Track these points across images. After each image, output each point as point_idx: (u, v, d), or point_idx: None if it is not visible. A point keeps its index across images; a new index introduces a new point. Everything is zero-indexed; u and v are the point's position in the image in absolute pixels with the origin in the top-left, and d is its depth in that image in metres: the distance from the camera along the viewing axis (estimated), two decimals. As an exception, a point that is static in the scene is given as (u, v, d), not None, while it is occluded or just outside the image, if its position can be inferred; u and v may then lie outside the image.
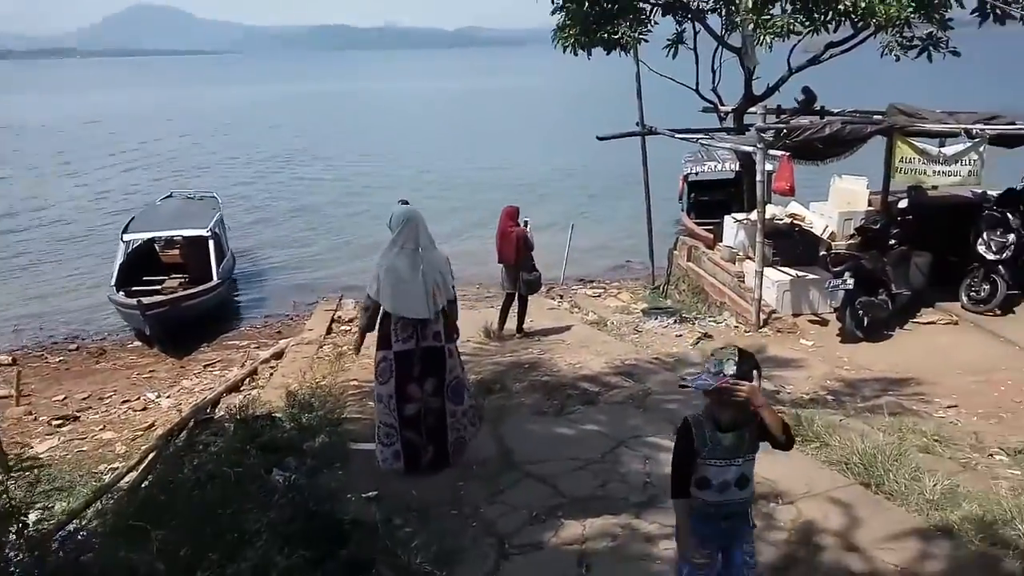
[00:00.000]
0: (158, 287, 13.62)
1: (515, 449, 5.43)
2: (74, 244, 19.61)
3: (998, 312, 9.14)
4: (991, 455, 5.56)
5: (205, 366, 11.17)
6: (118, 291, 12.85)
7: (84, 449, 7.84)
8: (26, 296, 15.86)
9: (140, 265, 14.49)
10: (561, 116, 45.98)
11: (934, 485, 4.54)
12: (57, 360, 11.94)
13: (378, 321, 5.09)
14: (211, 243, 13.90)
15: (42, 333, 13.53)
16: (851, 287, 8.59)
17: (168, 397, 9.54)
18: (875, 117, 10.28)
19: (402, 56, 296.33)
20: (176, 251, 14.91)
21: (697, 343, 8.96)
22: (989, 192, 10.69)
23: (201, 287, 13.30)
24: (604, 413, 6.23)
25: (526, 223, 9.61)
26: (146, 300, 11.88)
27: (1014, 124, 8.86)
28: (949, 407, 6.81)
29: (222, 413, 7.74)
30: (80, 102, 73.42)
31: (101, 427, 8.52)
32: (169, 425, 7.61)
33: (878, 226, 9.45)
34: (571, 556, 4.02)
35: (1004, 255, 9.16)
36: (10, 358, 11.86)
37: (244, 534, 3.75)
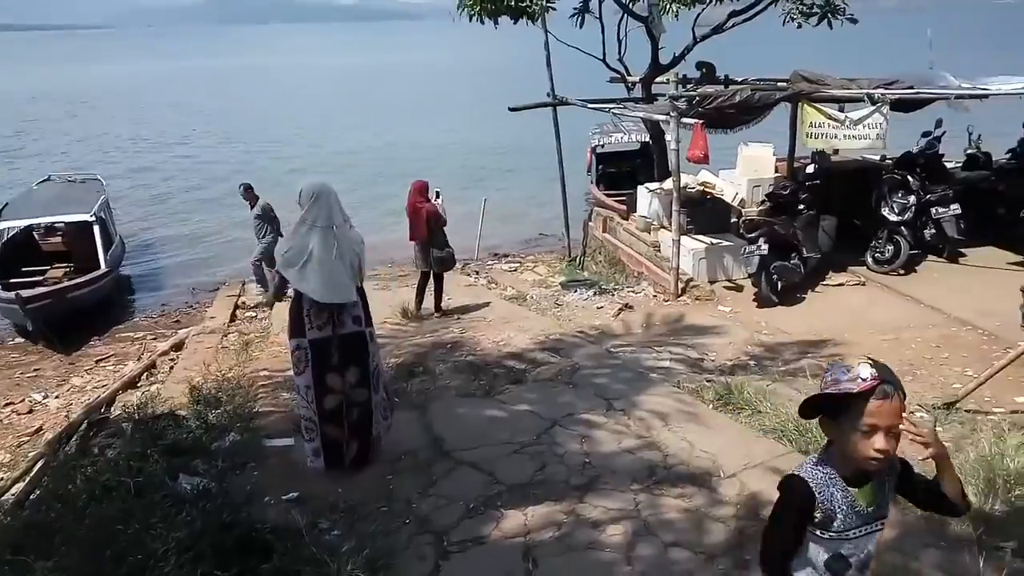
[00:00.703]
0: (39, 278, 12.52)
1: (445, 436, 5.15)
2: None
3: (902, 272, 9.47)
4: (912, 412, 5.67)
5: (97, 361, 10.31)
6: None
7: (-41, 460, 7.04)
8: None
9: (19, 256, 13.30)
10: (470, 91, 45.34)
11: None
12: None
13: (289, 306, 4.67)
14: (96, 228, 12.84)
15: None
16: (765, 252, 8.69)
17: (57, 397, 8.72)
18: (779, 84, 10.42)
19: (297, 30, 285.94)
20: (58, 239, 13.75)
21: (619, 314, 8.89)
22: (887, 156, 11.11)
23: (88, 276, 12.28)
24: (534, 391, 6.03)
25: (437, 194, 9.30)
26: (26, 293, 10.86)
27: (912, 88, 9.13)
28: (865, 366, 6.95)
29: (118, 413, 7.12)
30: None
31: (-22, 436, 7.69)
32: (59, 429, 6.96)
33: (787, 192, 9.59)
34: (515, 550, 3.79)
35: (906, 216, 9.49)
36: None
37: (149, 555, 3.32)
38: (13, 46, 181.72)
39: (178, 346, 9.68)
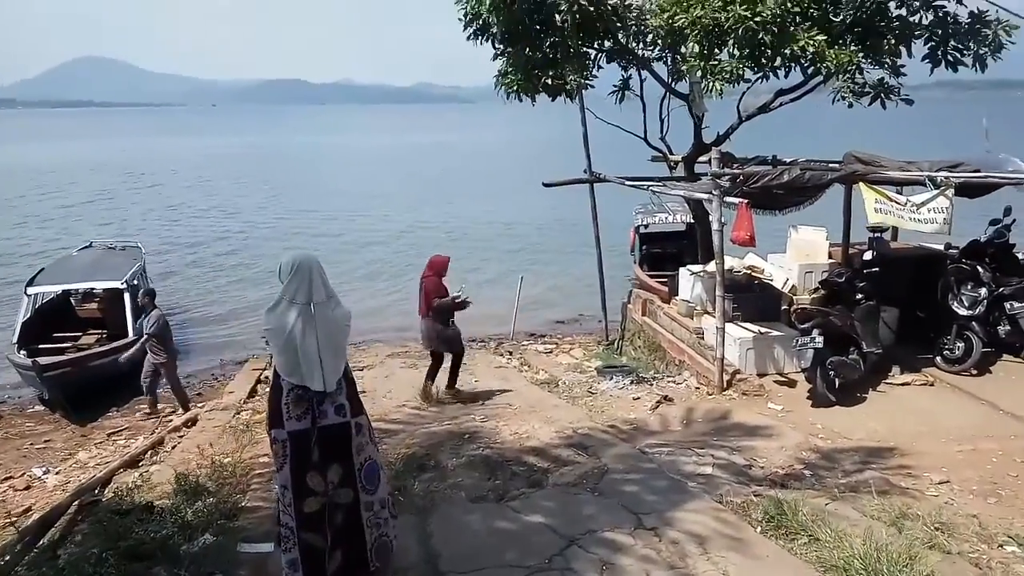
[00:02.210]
0: (69, 344, 12.34)
1: (443, 552, 4.44)
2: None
3: (974, 372, 8.56)
4: (1001, 546, 4.79)
5: (109, 435, 9.91)
6: (19, 350, 11.53)
7: (-62, 543, 6.53)
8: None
9: (54, 321, 13.21)
10: (509, 168, 45.75)
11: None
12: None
13: (269, 393, 4.11)
14: (127, 296, 12.71)
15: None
16: (820, 345, 7.90)
17: (57, 473, 8.27)
18: (831, 165, 9.82)
19: (354, 111, 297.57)
20: (94, 305, 13.69)
21: (657, 407, 8.13)
22: (951, 244, 10.31)
23: (110, 345, 12.07)
24: (553, 498, 5.30)
25: (459, 296, 8.88)
26: (44, 360, 10.60)
27: (978, 172, 8.42)
28: (940, 483, 6.06)
29: (111, 495, 6.58)
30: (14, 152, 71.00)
31: (-36, 515, 7.20)
32: (43, 511, 6.44)
33: (843, 279, 8.85)
34: None
35: (977, 311, 8.63)
36: None
37: None
38: (86, 119, 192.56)
39: (191, 422, 9.21)
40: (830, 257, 10.63)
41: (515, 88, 11.56)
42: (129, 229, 26.58)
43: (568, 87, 11.59)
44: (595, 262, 12.43)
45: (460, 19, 11.34)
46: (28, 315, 12.50)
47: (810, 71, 10.10)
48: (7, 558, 5.11)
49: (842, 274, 8.95)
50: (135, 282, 13.71)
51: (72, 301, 14.00)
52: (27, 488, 7.92)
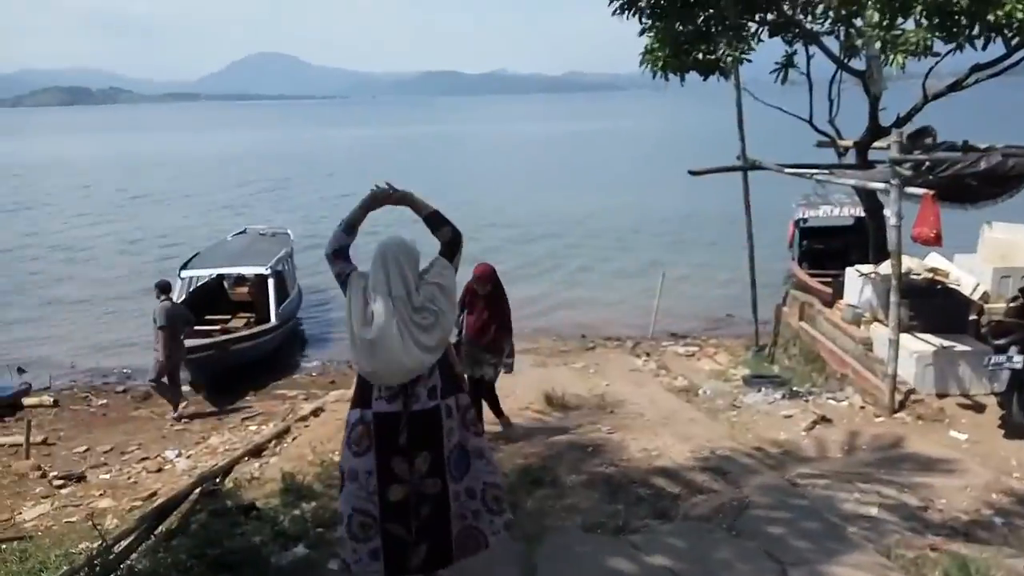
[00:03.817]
0: (218, 327, 12.87)
1: (547, 594, 3.86)
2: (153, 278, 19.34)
3: None
4: None
5: (243, 419, 10.13)
6: None
7: (73, 520, 6.77)
8: (98, 327, 15.54)
9: (207, 302, 13.88)
10: (658, 157, 44.24)
11: None
12: (100, 403, 11.21)
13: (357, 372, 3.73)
14: (271, 282, 13.09)
15: (96, 371, 12.97)
16: (1020, 365, 6.58)
17: (188, 457, 8.47)
18: (1039, 152, 8.25)
19: (507, 100, 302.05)
20: (245, 289, 14.25)
21: (812, 428, 7.10)
22: None
23: (254, 330, 12.46)
24: (681, 535, 4.55)
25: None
26: (189, 343, 11.03)
27: None
28: None
29: (230, 485, 6.54)
30: (192, 142, 77.72)
31: (100, 492, 7.47)
32: (165, 497, 6.49)
33: (1052, 286, 7.40)
34: None
35: None
36: (52, 399, 11.23)
37: None
38: (260, 111, 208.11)
39: (318, 411, 9.20)
40: (1033, 260, 9.03)
41: (662, 65, 10.68)
42: (298, 215, 27.96)
43: (722, 64, 10.57)
44: (746, 258, 11.34)
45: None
46: (182, 297, 13.13)
47: (1015, 42, 8.55)
48: (124, 543, 5.08)
49: (1051, 280, 7.48)
50: (280, 268, 14.14)
51: (225, 285, 14.64)
52: (159, 470, 8.15)
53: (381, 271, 3.55)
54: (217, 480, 6.77)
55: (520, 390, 8.76)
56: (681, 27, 10.43)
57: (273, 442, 8.15)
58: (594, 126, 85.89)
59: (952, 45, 8.62)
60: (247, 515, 4.90)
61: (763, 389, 8.46)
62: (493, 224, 26.20)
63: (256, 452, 7.78)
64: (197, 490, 6.37)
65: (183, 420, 10.18)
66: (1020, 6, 7.73)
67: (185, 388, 11.77)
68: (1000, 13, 7.84)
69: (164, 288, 10.61)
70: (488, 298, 6.64)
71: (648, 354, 11.62)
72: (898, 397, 7.32)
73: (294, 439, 7.87)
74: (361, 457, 3.59)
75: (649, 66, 10.63)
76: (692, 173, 10.54)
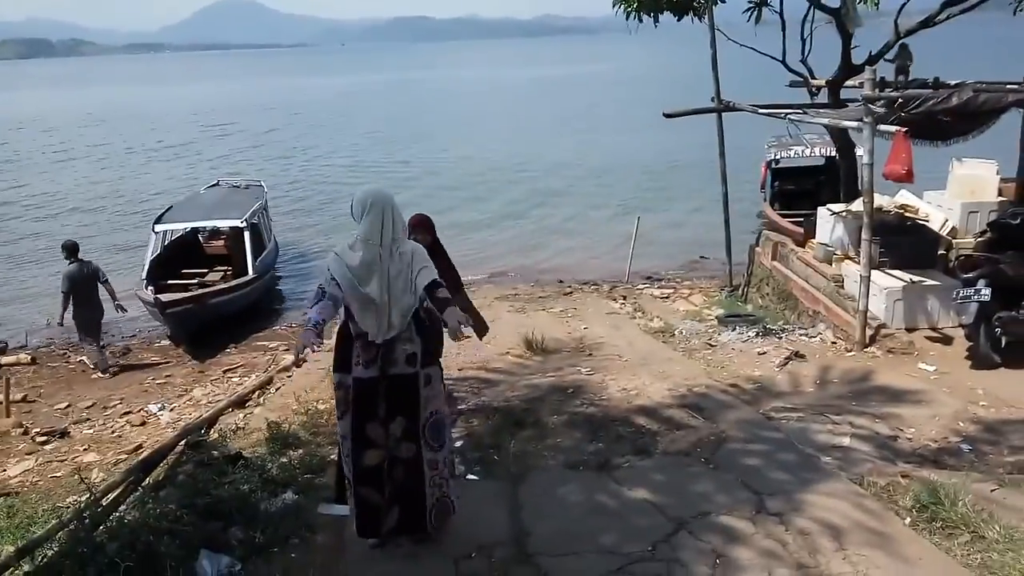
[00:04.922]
0: (195, 281, 12.75)
1: (533, 530, 3.97)
2: (126, 233, 19.02)
3: None
4: None
5: (225, 371, 10.12)
6: (147, 286, 11.99)
7: (59, 475, 6.80)
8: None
9: (182, 256, 13.72)
10: (633, 100, 43.86)
11: None
12: (78, 360, 11.12)
13: (336, 330, 3.78)
14: (247, 234, 12.93)
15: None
16: (987, 298, 6.75)
17: (171, 410, 8.48)
18: (1009, 87, 8.32)
19: (479, 46, 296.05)
20: (221, 242, 14.09)
21: (786, 364, 7.27)
22: None
23: (232, 283, 12.36)
24: (661, 470, 4.71)
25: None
26: (166, 297, 10.94)
27: None
28: None
29: (215, 436, 6.59)
30: (162, 94, 75.57)
31: (85, 447, 7.49)
32: (151, 449, 6.53)
33: (1018, 220, 7.53)
34: None
35: None
36: (30, 357, 11.13)
37: None
38: (227, 62, 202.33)
39: (300, 361, 9.21)
40: (1000, 195, 9.17)
41: (636, 6, 10.54)
42: (279, 166, 27.51)
43: (696, 3, 10.46)
44: (721, 200, 11.40)
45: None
46: (157, 252, 12.96)
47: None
48: (112, 496, 5.14)
49: (1017, 214, 7.61)
50: (255, 220, 13.97)
51: (200, 238, 14.46)
52: (143, 424, 8.15)
53: (375, 218, 3.57)
54: (202, 431, 6.82)
55: (500, 335, 8.83)
56: (656, -34, 10.28)
57: (256, 393, 8.18)
58: (568, 71, 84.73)
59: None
60: (234, 464, 4.97)
61: (737, 328, 8.61)
62: (471, 171, 26.02)
63: (240, 403, 7.81)
64: (182, 442, 6.42)
65: (110, 372, 10.17)
66: (993, -62, 7.72)
67: (164, 343, 11.75)
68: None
69: (71, 249, 10.10)
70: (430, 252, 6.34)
71: (624, 297, 11.72)
72: (869, 332, 7.50)
73: (277, 389, 7.90)
74: (340, 421, 3.74)
75: (623, 7, 10.49)
76: (667, 115, 10.51)
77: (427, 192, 22.45)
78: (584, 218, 19.00)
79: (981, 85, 8.52)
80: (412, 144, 32.91)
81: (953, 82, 9.29)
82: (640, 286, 12.79)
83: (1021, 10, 9.16)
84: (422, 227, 5.06)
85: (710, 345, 8.31)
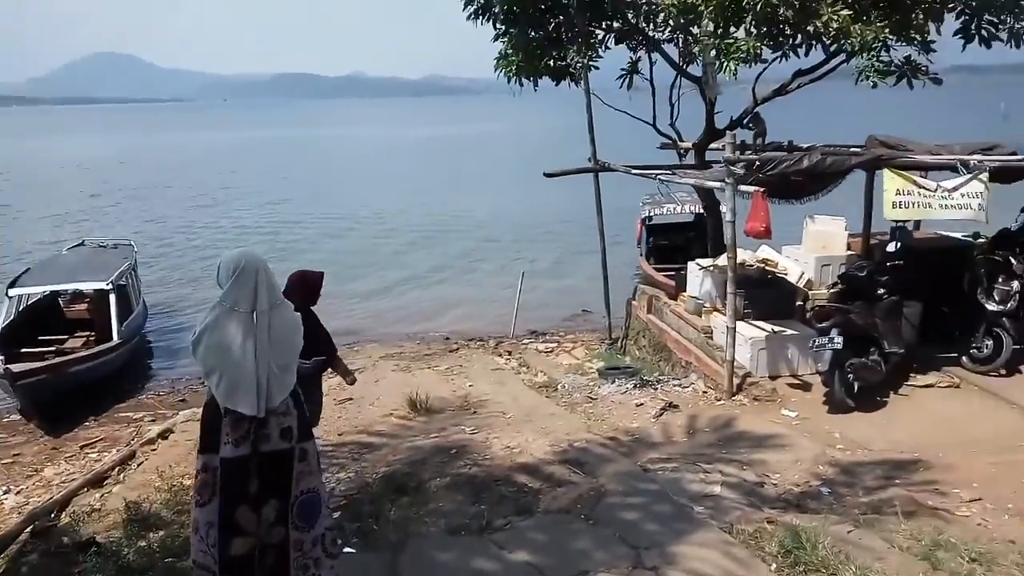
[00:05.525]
0: (52, 349, 11.84)
1: (410, 601, 3.87)
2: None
3: (1003, 372, 7.91)
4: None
5: (83, 447, 9.37)
6: None
7: None
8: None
9: (39, 322, 12.73)
10: (516, 159, 45.03)
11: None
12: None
13: (202, 410, 3.59)
14: (112, 297, 12.19)
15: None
16: (840, 346, 7.26)
17: (18, 493, 7.73)
18: (853, 150, 9.14)
19: (367, 104, 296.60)
20: (84, 306, 13.19)
21: (661, 415, 7.52)
22: (980, 234, 9.62)
23: (93, 350, 11.58)
24: (542, 529, 4.71)
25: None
26: (16, 367, 10.09)
27: (1015, 155, 7.73)
28: (972, 500, 5.45)
29: (67, 520, 6.05)
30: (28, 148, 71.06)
31: (-87, 540, 6.69)
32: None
33: (864, 273, 8.19)
34: None
35: (1008, 306, 7.96)
36: None
37: None
38: (100, 116, 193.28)
39: (166, 433, 8.68)
40: (849, 249, 9.97)
41: (515, 70, 10.95)
42: (153, 226, 26.16)
43: (572, 70, 10.97)
44: (600, 255, 11.80)
45: (460, -3, 10.75)
46: (11, 318, 12.01)
47: (832, 49, 9.43)
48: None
49: (863, 267, 8.28)
50: (123, 282, 13.23)
51: (60, 302, 13.51)
52: (-16, 510, 7.40)
53: (246, 283, 3.40)
54: (52, 516, 6.26)
55: (384, 396, 8.70)
56: (533, 33, 10.76)
57: (116, 470, 7.60)
58: (453, 130, 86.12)
59: (778, 53, 9.41)
60: (86, 552, 4.58)
61: (616, 380, 8.83)
62: (354, 228, 25.80)
63: (97, 482, 7.23)
64: (28, 528, 5.88)
65: None
66: (836, 17, 8.54)
67: (14, 417, 10.78)
68: (819, 23, 8.64)
69: None
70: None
71: (510, 352, 11.82)
72: (736, 381, 7.88)
73: (140, 465, 7.39)
74: (203, 508, 3.45)
75: (503, 71, 10.86)
76: (547, 175, 10.87)
77: (315, 251, 22.06)
78: (470, 274, 19.17)
79: (829, 148, 9.34)
80: (302, 204, 32.31)
81: (805, 145, 10.14)
82: (525, 341, 12.94)
83: (860, 81, 10.11)
84: (299, 286, 4.89)
85: (591, 398, 8.48)
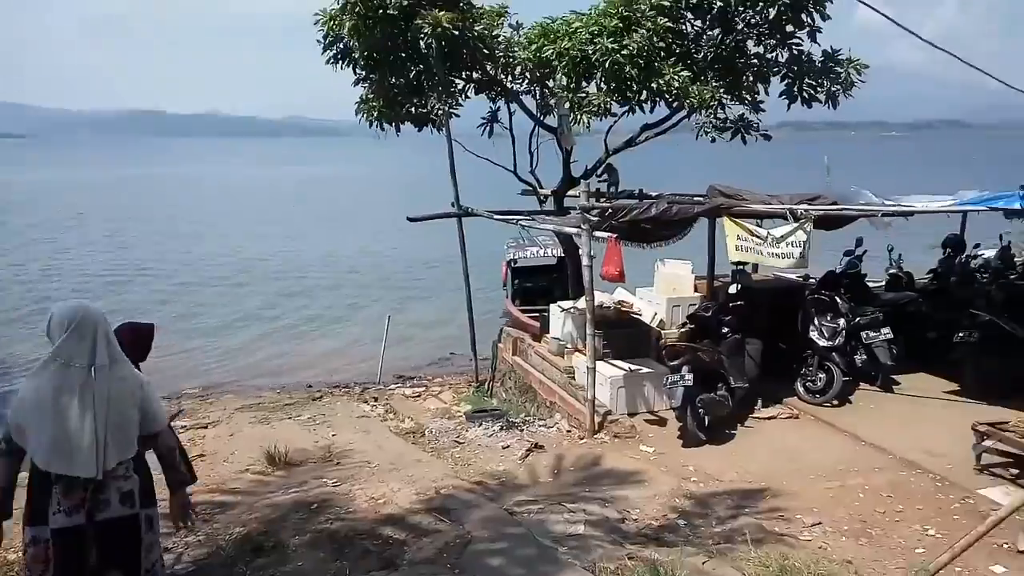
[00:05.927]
0: None
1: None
2: None
3: (835, 403, 8.64)
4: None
5: None
6: None
7: None
8: None
9: None
10: (378, 203, 44.80)
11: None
12: None
13: (28, 478, 3.30)
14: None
15: None
16: (690, 383, 7.68)
17: None
18: (696, 199, 9.82)
19: (223, 143, 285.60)
20: None
21: (526, 456, 7.61)
22: (810, 275, 10.54)
23: None
24: (406, 582, 4.62)
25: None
26: None
27: (835, 205, 8.58)
28: (813, 525, 5.87)
29: None
30: None
31: None
32: None
33: (710, 313, 8.75)
34: None
35: (836, 341, 8.73)
36: None
37: None
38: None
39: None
40: (696, 290, 10.60)
41: (376, 115, 10.99)
42: None
43: (433, 117, 11.15)
44: (465, 299, 11.89)
45: (319, 40, 10.69)
46: None
47: (675, 106, 10.15)
48: None
49: (708, 307, 8.86)
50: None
51: None
52: None
53: (83, 338, 3.20)
54: None
55: (239, 452, 8.27)
56: (394, 80, 10.84)
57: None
58: (313, 172, 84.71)
59: (626, 107, 10.03)
60: None
61: (483, 423, 8.86)
62: (208, 274, 24.60)
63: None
64: None
65: None
66: (676, 77, 9.22)
67: None
68: (661, 81, 9.31)
69: None
70: None
71: (376, 399, 11.58)
72: (597, 419, 8.13)
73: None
74: None
75: (365, 116, 10.87)
76: (410, 220, 10.90)
77: (164, 294, 20.88)
78: (334, 318, 18.74)
79: (675, 197, 9.99)
80: (154, 244, 30.49)
81: (655, 193, 10.78)
82: (392, 386, 12.74)
83: (700, 135, 10.90)
84: (133, 341, 4.48)
85: (458, 442, 8.45)
